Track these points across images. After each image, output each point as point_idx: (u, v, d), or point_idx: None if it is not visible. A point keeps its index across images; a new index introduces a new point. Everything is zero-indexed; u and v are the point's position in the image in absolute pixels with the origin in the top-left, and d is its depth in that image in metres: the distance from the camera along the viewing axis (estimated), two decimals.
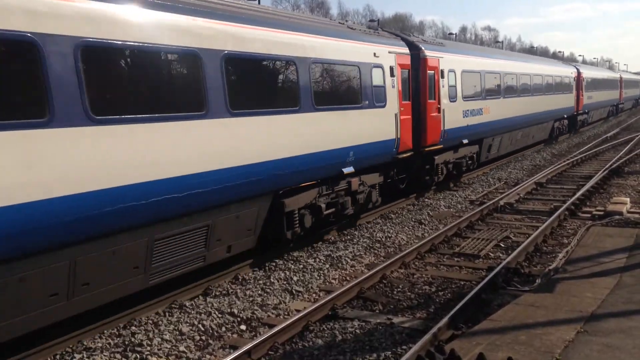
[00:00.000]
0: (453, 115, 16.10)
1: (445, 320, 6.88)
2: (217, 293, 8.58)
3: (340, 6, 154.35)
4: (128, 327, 7.41)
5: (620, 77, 51.28)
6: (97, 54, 6.50)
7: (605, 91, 41.54)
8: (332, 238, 11.60)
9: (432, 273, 9.39)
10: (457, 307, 7.31)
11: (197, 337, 7.10)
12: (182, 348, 6.80)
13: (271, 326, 7.26)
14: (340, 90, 11.44)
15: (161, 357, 6.63)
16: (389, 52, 13.14)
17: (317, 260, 10.08)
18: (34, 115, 5.83)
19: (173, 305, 8.09)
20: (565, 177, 18.69)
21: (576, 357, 5.43)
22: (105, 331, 7.27)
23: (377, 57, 12.56)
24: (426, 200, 15.29)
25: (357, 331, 7.17)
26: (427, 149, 14.84)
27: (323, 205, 10.90)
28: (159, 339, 7.00)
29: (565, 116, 29.98)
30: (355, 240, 11.40)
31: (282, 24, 9.88)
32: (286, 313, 7.86)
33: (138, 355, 6.63)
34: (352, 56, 11.62)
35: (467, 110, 17.13)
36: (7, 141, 5.56)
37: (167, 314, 7.83)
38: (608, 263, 8.43)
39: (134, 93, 7.03)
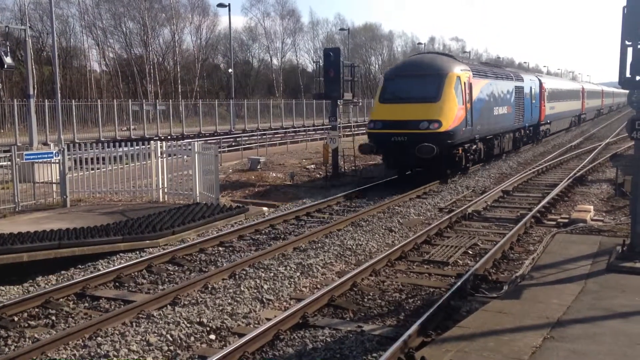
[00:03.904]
0: None
1: (415, 327, 6.91)
2: (186, 302, 8.46)
3: (312, 15, 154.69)
4: (94, 337, 7.23)
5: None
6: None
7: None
8: (303, 246, 11.58)
9: (402, 280, 9.45)
10: (427, 314, 7.35)
11: (165, 348, 6.97)
12: (149, 359, 6.67)
13: (241, 335, 7.17)
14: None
15: None
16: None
17: (288, 268, 10.04)
18: None
19: (140, 315, 7.93)
20: (531, 185, 19.08)
21: None
22: (70, 342, 7.08)
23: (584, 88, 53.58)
24: (396, 207, 15.41)
25: (328, 339, 7.15)
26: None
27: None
28: (126, 350, 6.86)
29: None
30: (326, 247, 11.39)
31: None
32: (256, 322, 7.79)
33: None
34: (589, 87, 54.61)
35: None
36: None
37: (134, 324, 7.68)
38: (573, 270, 8.61)
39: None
